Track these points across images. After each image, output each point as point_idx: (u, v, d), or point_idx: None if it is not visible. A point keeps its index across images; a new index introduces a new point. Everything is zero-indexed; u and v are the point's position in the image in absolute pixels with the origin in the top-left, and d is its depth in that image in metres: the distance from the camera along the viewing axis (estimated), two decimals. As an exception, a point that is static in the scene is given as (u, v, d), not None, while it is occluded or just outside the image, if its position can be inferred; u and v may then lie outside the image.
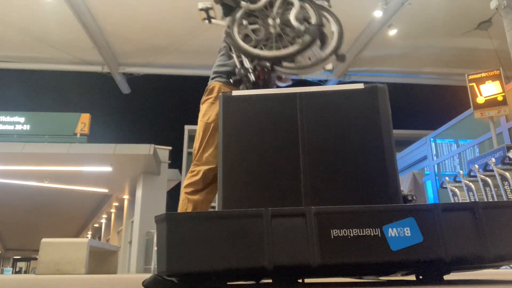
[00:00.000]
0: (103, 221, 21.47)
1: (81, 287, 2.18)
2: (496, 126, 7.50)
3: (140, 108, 19.41)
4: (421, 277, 1.49)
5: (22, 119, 13.08)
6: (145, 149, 11.52)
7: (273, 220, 1.27)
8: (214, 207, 1.96)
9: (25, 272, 35.92)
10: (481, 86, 7.49)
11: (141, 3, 10.09)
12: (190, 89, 14.93)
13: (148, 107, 19.79)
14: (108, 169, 12.31)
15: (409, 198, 1.51)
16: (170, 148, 13.72)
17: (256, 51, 1.79)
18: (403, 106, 14.01)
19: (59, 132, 12.81)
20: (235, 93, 1.64)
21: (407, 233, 1.25)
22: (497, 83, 7.39)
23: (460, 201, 5.94)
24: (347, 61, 11.45)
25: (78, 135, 12.75)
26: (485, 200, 5.27)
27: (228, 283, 1.51)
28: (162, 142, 13.43)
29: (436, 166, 10.20)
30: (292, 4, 1.84)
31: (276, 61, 1.79)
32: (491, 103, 7.32)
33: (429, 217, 1.28)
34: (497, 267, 1.62)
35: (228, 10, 1.90)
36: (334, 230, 1.26)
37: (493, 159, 5.37)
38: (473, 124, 8.35)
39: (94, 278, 4.13)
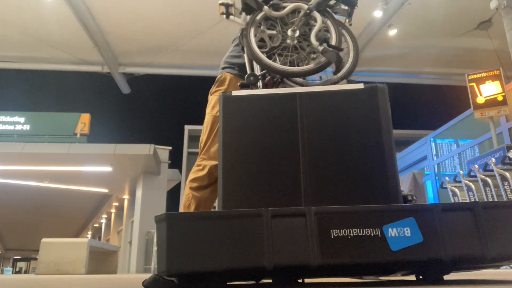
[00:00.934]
0: (103, 221, 21.47)
1: (81, 287, 2.18)
2: (496, 126, 7.50)
3: (140, 108, 19.41)
4: (421, 277, 1.48)
5: (22, 119, 13.08)
6: (145, 149, 11.52)
7: (273, 220, 1.27)
8: (214, 207, 1.95)
9: (25, 272, 35.91)
10: (481, 86, 7.49)
11: (141, 3, 10.10)
12: (190, 89, 14.95)
13: (148, 107, 19.79)
14: (108, 169, 12.31)
15: (409, 198, 1.51)
16: (170, 148, 13.72)
17: (269, 62, 1.74)
18: (403, 106, 14.01)
19: (59, 132, 12.82)
20: (235, 93, 1.64)
21: (407, 233, 1.25)
22: (497, 83, 7.38)
23: (460, 201, 5.94)
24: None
25: (78, 135, 12.75)
26: (485, 200, 5.28)
27: (228, 283, 1.51)
28: (162, 142, 13.44)
29: (436, 166, 10.20)
30: (315, 20, 1.80)
31: (288, 76, 1.76)
32: (491, 103, 7.32)
33: (429, 217, 1.28)
34: (497, 267, 1.62)
35: (248, 9, 1.85)
36: (334, 230, 1.26)
37: (493, 159, 5.37)
38: (473, 124, 8.35)
39: (94, 278, 4.13)
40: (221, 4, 1.90)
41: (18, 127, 13.02)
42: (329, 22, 1.82)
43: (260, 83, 1.76)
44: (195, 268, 1.25)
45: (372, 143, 1.52)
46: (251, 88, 1.73)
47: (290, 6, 1.85)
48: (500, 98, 7.28)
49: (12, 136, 12.57)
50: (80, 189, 14.58)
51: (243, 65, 1.94)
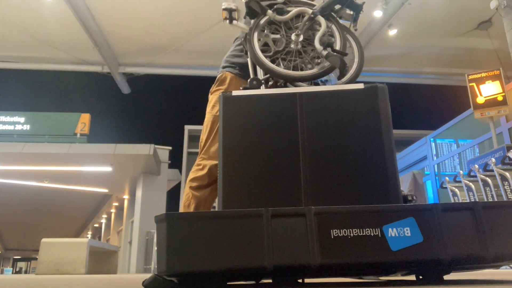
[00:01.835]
0: (103, 221, 21.48)
1: (81, 287, 2.18)
2: (496, 126, 7.50)
3: (140, 108, 19.42)
4: (421, 277, 1.48)
5: (22, 119, 13.08)
6: (145, 149, 11.53)
7: (273, 220, 1.27)
8: (214, 207, 1.95)
9: (25, 272, 35.92)
10: (481, 86, 7.49)
11: (141, 3, 10.10)
12: (190, 89, 14.96)
13: (148, 107, 19.81)
14: (108, 169, 12.31)
15: (409, 198, 1.51)
16: (170, 148, 13.73)
17: (272, 67, 1.73)
18: (403, 106, 14.01)
19: (59, 132, 12.82)
20: (235, 93, 1.64)
21: (407, 233, 1.25)
22: (497, 83, 7.39)
23: (460, 201, 5.94)
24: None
25: (78, 135, 12.76)
26: (485, 200, 5.28)
27: (228, 283, 1.51)
28: (162, 142, 13.45)
29: (436, 166, 10.20)
30: (319, 24, 1.78)
31: (291, 81, 1.75)
32: (491, 103, 7.32)
33: (429, 217, 1.28)
34: (497, 267, 1.62)
35: (252, 13, 1.84)
36: (334, 230, 1.26)
37: (493, 159, 5.37)
38: (473, 124, 8.35)
39: (94, 278, 4.13)
40: (225, 9, 1.89)
41: (18, 127, 13.03)
42: (333, 27, 1.81)
43: (263, 88, 1.75)
44: (195, 268, 1.25)
45: (372, 143, 1.52)
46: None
47: (294, 10, 1.84)
48: (500, 98, 7.28)
49: (12, 136, 12.58)
50: (80, 189, 14.58)
51: (244, 64, 1.93)
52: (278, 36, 1.83)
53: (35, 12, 10.36)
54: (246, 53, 1.91)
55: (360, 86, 1.60)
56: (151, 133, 18.24)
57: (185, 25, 10.80)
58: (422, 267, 1.37)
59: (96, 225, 23.83)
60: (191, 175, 1.94)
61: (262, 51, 1.78)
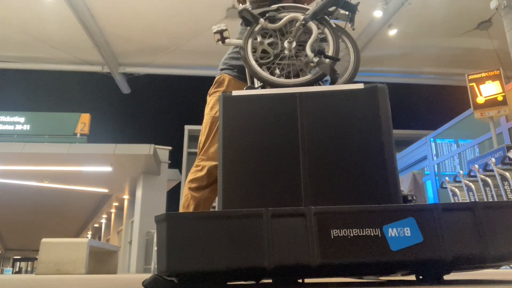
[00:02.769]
0: (103, 221, 21.48)
1: (81, 287, 2.18)
2: (496, 126, 7.50)
3: (140, 108, 19.43)
4: (421, 277, 1.49)
5: (22, 119, 13.09)
6: (145, 149, 11.53)
7: (273, 220, 1.27)
8: (214, 207, 1.95)
9: (25, 272, 35.92)
10: (481, 86, 7.49)
11: (141, 3, 10.10)
12: (190, 89, 14.96)
13: (148, 107, 19.81)
14: (108, 169, 12.31)
15: (409, 198, 1.51)
16: (170, 148, 13.74)
17: (265, 75, 1.74)
18: (403, 106, 14.02)
19: (59, 132, 12.83)
20: (235, 93, 1.64)
21: (407, 233, 1.25)
22: (497, 83, 7.38)
23: (460, 201, 5.94)
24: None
25: (78, 135, 12.76)
26: (485, 200, 5.27)
27: (228, 283, 1.51)
28: (162, 142, 13.45)
29: (436, 166, 10.20)
30: (310, 31, 1.79)
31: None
32: (491, 103, 7.32)
33: (429, 217, 1.28)
34: (497, 267, 1.62)
35: (246, 22, 1.86)
36: (334, 230, 1.26)
37: (493, 159, 5.37)
38: (473, 124, 8.35)
39: (94, 278, 4.13)
40: (216, 32, 1.91)
41: (18, 127, 13.03)
42: (326, 30, 1.81)
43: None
44: (195, 268, 1.25)
45: (372, 143, 1.52)
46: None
47: (285, 18, 1.84)
48: (500, 98, 7.28)
49: (12, 136, 12.58)
50: (80, 189, 14.58)
51: (242, 66, 1.94)
52: (271, 39, 1.85)
53: (35, 12, 10.36)
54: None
55: (360, 86, 1.59)
56: (151, 133, 18.25)
57: (185, 25, 10.80)
58: (422, 267, 1.37)
59: (96, 225, 23.83)
60: (190, 176, 1.94)
61: (260, 58, 1.80)
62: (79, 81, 15.31)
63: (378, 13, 10.04)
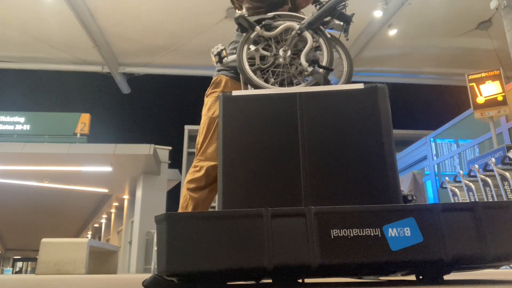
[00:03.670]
0: (103, 221, 21.48)
1: (81, 287, 2.18)
2: (496, 126, 7.50)
3: (140, 108, 19.44)
4: (421, 277, 1.48)
5: (22, 119, 13.09)
6: (145, 149, 11.53)
7: (273, 220, 1.27)
8: (214, 207, 1.96)
9: (25, 272, 35.93)
10: (481, 86, 7.49)
11: (141, 3, 10.10)
12: (190, 89, 14.97)
13: (148, 107, 19.83)
14: (108, 169, 12.31)
15: (409, 198, 1.51)
16: (170, 148, 13.75)
17: (259, 83, 1.76)
18: (403, 106, 14.03)
19: (59, 132, 12.83)
20: (235, 93, 1.64)
21: (407, 233, 1.25)
22: (497, 83, 7.38)
23: (460, 201, 5.93)
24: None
25: (78, 135, 12.76)
26: (485, 200, 5.27)
27: (228, 283, 1.51)
28: (162, 142, 13.47)
29: (436, 166, 10.20)
30: (305, 41, 1.81)
31: None
32: (491, 103, 7.32)
33: (429, 217, 1.28)
34: (497, 267, 1.62)
35: (242, 28, 1.89)
36: (334, 230, 1.26)
37: (493, 159, 5.37)
38: (473, 124, 8.35)
39: (94, 278, 4.13)
40: (215, 55, 1.93)
41: (18, 127, 13.03)
42: (321, 40, 1.83)
43: None
44: (195, 268, 1.25)
45: (372, 143, 1.52)
46: None
47: (281, 26, 1.86)
48: (500, 98, 7.28)
49: (12, 136, 12.59)
50: (80, 189, 14.58)
51: None
52: (266, 43, 1.87)
53: (35, 12, 10.36)
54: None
55: (360, 86, 1.60)
56: (151, 133, 18.27)
57: (185, 25, 10.80)
58: (422, 267, 1.37)
59: (96, 225, 23.83)
60: (189, 176, 1.95)
61: (252, 64, 1.82)
62: (79, 81, 15.31)
63: (378, 13, 10.04)
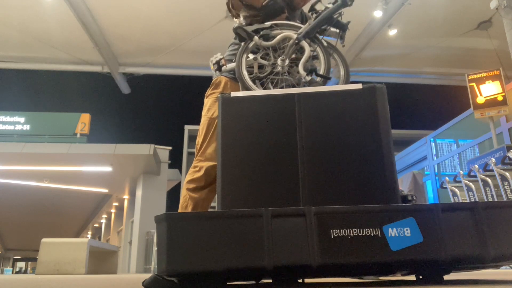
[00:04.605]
0: (103, 221, 21.48)
1: (81, 287, 2.18)
2: (496, 126, 7.50)
3: (140, 108, 19.44)
4: (421, 277, 1.49)
5: (22, 119, 13.09)
6: (145, 149, 11.53)
7: (273, 220, 1.27)
8: (213, 207, 1.96)
9: (25, 272, 35.92)
10: (481, 86, 7.48)
11: (141, 3, 10.10)
12: (190, 89, 14.98)
13: (148, 107, 19.84)
14: (108, 169, 12.31)
15: (409, 198, 1.51)
16: (170, 148, 13.75)
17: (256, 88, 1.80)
18: (403, 106, 14.03)
19: (59, 132, 12.84)
20: (233, 94, 1.65)
21: (407, 233, 1.25)
22: (497, 83, 7.38)
23: (460, 201, 5.93)
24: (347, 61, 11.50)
25: (78, 135, 12.77)
26: (485, 200, 5.27)
27: (228, 283, 1.51)
28: (162, 142, 13.47)
29: (436, 166, 10.20)
30: (303, 50, 1.83)
31: None
32: (491, 103, 7.31)
33: (429, 217, 1.28)
34: (497, 267, 1.62)
35: (240, 38, 1.92)
36: (334, 230, 1.26)
37: (493, 159, 5.37)
38: (473, 124, 8.34)
39: (94, 278, 4.13)
40: (214, 63, 1.97)
41: (18, 127, 13.03)
42: (318, 49, 1.85)
43: None
44: (195, 268, 1.25)
45: (370, 143, 1.52)
46: None
47: (279, 36, 1.88)
48: (500, 98, 7.27)
49: (12, 136, 12.59)
50: (80, 189, 14.58)
51: None
52: (265, 52, 1.90)
53: (35, 12, 10.35)
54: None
55: (359, 86, 1.60)
56: (151, 133, 18.28)
57: (185, 25, 10.80)
58: (422, 267, 1.37)
59: (96, 225, 23.83)
60: (188, 177, 1.95)
61: (250, 73, 1.84)
62: (79, 81, 15.32)
63: (378, 13, 10.03)
